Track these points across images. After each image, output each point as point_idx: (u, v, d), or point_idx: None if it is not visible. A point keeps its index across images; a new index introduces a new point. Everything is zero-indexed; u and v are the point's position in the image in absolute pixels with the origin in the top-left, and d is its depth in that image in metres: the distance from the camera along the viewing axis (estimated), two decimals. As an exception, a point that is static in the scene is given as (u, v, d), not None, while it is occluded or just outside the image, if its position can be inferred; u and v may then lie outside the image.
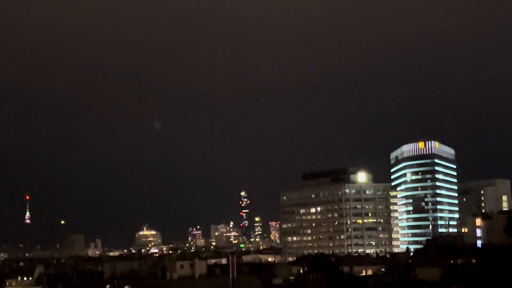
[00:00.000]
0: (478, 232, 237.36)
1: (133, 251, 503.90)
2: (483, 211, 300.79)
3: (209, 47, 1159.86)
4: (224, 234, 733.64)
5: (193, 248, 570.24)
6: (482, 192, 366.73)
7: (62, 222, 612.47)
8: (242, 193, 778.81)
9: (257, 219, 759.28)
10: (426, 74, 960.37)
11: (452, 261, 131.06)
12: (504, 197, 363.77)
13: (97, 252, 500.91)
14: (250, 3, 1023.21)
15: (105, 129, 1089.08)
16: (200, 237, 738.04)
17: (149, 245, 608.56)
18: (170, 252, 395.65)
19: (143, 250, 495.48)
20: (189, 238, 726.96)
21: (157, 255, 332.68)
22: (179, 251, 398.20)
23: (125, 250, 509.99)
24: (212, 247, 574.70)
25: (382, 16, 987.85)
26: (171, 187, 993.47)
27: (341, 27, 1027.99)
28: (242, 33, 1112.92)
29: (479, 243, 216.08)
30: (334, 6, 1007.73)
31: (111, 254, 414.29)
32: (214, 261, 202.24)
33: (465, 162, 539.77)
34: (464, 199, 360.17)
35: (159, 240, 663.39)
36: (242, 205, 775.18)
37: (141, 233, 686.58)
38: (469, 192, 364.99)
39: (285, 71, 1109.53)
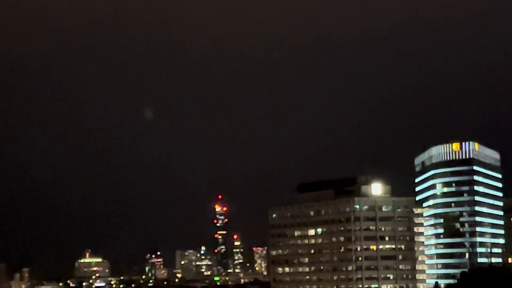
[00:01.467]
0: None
1: (71, 284, 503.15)
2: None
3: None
4: (193, 263, 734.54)
5: (151, 281, 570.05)
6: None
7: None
8: (218, 209, 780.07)
9: (237, 243, 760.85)
10: (456, 57, 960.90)
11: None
12: None
13: (23, 286, 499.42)
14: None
15: (35, 135, 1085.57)
16: (161, 266, 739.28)
17: (93, 277, 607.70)
18: (121, 286, 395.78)
19: (84, 284, 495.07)
20: (147, 268, 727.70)
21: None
22: (132, 285, 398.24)
23: (60, 284, 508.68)
24: (177, 280, 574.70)
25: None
26: (122, 203, 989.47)
27: (341, 19, 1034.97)
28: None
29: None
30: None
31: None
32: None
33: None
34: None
35: (106, 271, 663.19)
36: (218, 224, 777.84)
37: (82, 261, 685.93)
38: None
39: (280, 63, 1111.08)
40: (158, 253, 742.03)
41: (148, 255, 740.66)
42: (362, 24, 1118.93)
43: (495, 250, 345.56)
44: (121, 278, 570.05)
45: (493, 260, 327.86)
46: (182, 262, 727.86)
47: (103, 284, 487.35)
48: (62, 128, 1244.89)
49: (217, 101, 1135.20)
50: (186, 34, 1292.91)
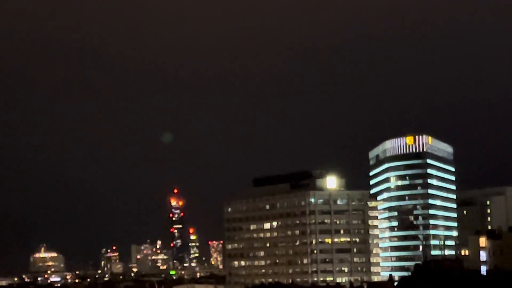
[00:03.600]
0: (483, 255, 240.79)
1: (26, 279, 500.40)
2: (489, 227, 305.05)
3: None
4: (149, 257, 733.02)
5: (107, 276, 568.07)
6: (488, 203, 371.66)
7: None
8: (174, 203, 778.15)
9: (193, 237, 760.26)
10: (412, 55, 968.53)
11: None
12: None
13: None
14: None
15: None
16: (117, 261, 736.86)
17: (48, 272, 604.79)
18: (76, 281, 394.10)
19: (40, 279, 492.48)
20: (102, 263, 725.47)
21: (59, 285, 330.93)
22: (88, 280, 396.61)
23: (15, 279, 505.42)
24: (132, 274, 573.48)
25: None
26: (78, 197, 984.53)
27: (305, 21, 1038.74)
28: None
29: (483, 269, 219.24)
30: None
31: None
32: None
33: (467, 164, 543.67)
34: (465, 212, 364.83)
35: (62, 265, 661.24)
36: (174, 218, 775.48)
37: (37, 255, 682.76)
38: (472, 203, 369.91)
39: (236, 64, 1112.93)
40: (114, 247, 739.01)
41: (104, 249, 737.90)
42: (314, 21, 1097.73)
43: (448, 242, 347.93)
44: (77, 272, 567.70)
45: (447, 252, 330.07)
46: (138, 257, 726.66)
47: (58, 279, 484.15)
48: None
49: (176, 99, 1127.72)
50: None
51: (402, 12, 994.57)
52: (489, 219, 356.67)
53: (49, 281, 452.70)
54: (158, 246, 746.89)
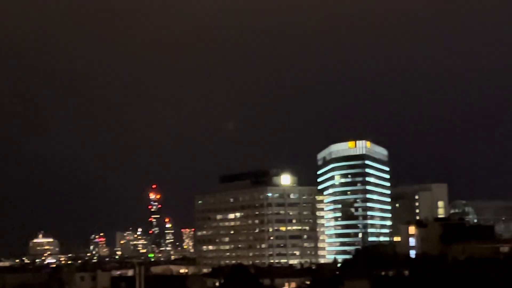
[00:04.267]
0: (412, 241, 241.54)
1: (26, 261, 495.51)
2: (418, 218, 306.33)
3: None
4: (131, 243, 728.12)
5: (95, 258, 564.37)
6: (416, 197, 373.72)
7: None
8: (152, 197, 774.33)
9: (168, 225, 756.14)
10: (354, 69, 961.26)
11: (383, 273, 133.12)
12: (440, 203, 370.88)
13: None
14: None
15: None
16: (104, 245, 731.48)
17: (45, 255, 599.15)
18: (69, 262, 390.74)
19: (37, 260, 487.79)
20: (91, 247, 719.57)
21: (54, 265, 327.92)
22: (79, 262, 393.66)
23: (16, 260, 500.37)
24: (117, 256, 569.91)
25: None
26: (70, 190, 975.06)
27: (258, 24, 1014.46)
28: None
29: (412, 253, 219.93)
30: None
31: (0, 264, 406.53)
32: (119, 272, 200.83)
33: (399, 164, 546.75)
34: (397, 205, 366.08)
35: (57, 249, 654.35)
36: (152, 209, 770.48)
37: (35, 240, 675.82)
38: (403, 197, 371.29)
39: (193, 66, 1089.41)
40: (101, 234, 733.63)
41: (93, 235, 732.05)
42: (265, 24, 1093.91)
43: (383, 230, 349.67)
44: (69, 255, 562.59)
45: (382, 239, 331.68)
46: (121, 242, 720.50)
47: (53, 260, 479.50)
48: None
49: (154, 95, 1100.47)
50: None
51: (345, 18, 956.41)
52: (417, 211, 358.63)
53: (45, 262, 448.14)
54: (139, 233, 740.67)
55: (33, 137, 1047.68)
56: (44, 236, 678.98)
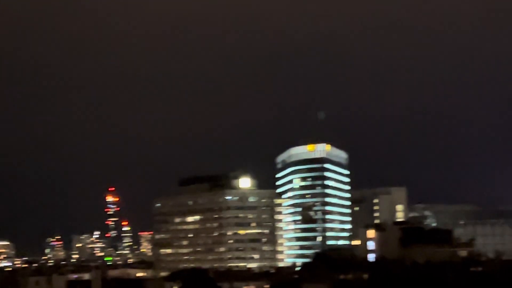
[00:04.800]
0: (371, 245, 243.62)
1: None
2: (377, 221, 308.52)
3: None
4: (88, 246, 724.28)
5: (51, 261, 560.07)
6: (376, 201, 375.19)
7: None
8: (110, 199, 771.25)
9: (126, 228, 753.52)
10: (315, 72, 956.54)
11: (342, 277, 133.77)
12: (399, 207, 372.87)
13: None
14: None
15: None
16: (60, 248, 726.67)
17: (1, 258, 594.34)
18: (24, 266, 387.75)
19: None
20: (47, 250, 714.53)
21: (10, 269, 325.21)
22: (34, 265, 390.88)
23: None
24: (73, 260, 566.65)
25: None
26: (26, 191, 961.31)
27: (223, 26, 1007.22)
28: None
29: (371, 256, 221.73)
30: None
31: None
32: (75, 276, 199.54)
33: (358, 167, 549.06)
34: (356, 209, 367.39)
35: (12, 252, 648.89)
36: (109, 212, 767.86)
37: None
38: (362, 200, 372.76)
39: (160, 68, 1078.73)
40: (58, 237, 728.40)
41: (48, 238, 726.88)
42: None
43: (342, 234, 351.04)
44: (25, 259, 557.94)
45: (341, 242, 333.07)
46: (78, 245, 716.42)
47: (9, 264, 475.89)
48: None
49: (113, 96, 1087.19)
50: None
51: (309, 26, 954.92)
52: (376, 214, 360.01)
53: (0, 265, 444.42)
54: (96, 236, 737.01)
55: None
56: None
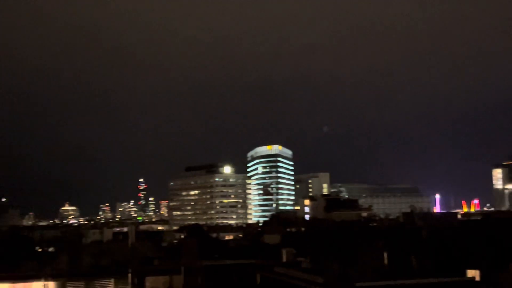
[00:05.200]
0: (307, 209, 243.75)
1: (56, 221, 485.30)
2: (310, 194, 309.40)
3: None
4: (126, 210, 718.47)
5: (103, 220, 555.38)
6: (310, 181, 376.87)
7: (3, 199, 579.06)
8: (140, 180, 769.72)
9: (151, 198, 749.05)
10: (270, 90, 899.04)
11: (288, 230, 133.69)
12: (325, 185, 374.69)
13: (29, 222, 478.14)
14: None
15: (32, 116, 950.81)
16: (109, 211, 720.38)
17: (69, 218, 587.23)
18: (86, 223, 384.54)
19: (64, 221, 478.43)
20: (100, 213, 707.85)
21: (76, 225, 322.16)
22: (92, 222, 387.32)
23: (50, 221, 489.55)
24: (117, 219, 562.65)
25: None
26: (89, 172, 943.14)
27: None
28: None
29: (307, 217, 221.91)
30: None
31: (41, 224, 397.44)
32: (118, 229, 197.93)
33: (299, 159, 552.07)
34: (298, 186, 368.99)
35: (77, 214, 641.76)
36: (140, 188, 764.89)
37: (63, 208, 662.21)
38: (301, 181, 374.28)
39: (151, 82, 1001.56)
40: (107, 204, 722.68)
41: (101, 205, 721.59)
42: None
43: (289, 202, 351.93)
44: (86, 218, 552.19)
45: (288, 207, 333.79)
46: (120, 209, 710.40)
47: (75, 221, 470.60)
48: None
49: (144, 104, 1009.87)
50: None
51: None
52: (310, 190, 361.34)
53: (69, 222, 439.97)
54: (131, 203, 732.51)
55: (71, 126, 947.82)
56: (69, 205, 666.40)
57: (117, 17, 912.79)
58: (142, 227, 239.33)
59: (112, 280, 53.06)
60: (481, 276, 47.19)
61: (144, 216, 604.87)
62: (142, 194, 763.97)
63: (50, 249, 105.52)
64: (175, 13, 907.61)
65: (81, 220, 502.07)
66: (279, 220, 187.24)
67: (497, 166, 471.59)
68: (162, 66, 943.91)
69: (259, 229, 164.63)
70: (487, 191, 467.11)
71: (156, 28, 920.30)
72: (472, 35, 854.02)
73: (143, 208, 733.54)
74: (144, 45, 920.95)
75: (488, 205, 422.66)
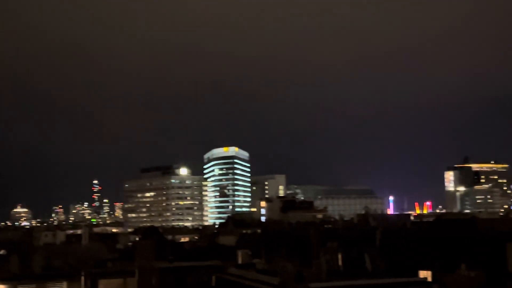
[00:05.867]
0: (263, 211, 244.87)
1: (9, 223, 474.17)
2: (267, 196, 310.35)
3: None
4: (80, 212, 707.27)
5: (56, 222, 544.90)
6: (266, 183, 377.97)
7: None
8: (95, 181, 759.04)
9: (105, 200, 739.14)
10: (232, 97, 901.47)
11: (244, 231, 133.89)
12: (281, 187, 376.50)
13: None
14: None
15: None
16: (62, 213, 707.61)
17: (21, 220, 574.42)
18: (38, 225, 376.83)
19: (16, 223, 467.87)
20: (53, 214, 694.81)
21: (28, 227, 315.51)
22: (45, 224, 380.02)
23: (2, 223, 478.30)
24: (70, 221, 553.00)
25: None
26: (42, 174, 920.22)
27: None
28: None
29: (263, 218, 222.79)
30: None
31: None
32: (71, 231, 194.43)
33: (256, 161, 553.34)
34: (254, 188, 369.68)
35: (30, 216, 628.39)
36: (95, 190, 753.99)
37: (15, 210, 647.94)
38: (258, 183, 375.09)
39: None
40: (60, 206, 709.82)
41: (54, 206, 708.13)
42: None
43: (245, 204, 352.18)
44: (38, 220, 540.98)
45: (244, 209, 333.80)
46: (74, 211, 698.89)
47: (27, 224, 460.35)
48: None
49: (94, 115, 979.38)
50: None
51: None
52: (266, 191, 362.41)
53: (22, 224, 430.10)
54: (85, 205, 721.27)
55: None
56: (21, 207, 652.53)
57: (62, 13, 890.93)
58: (96, 229, 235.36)
59: (65, 283, 52.32)
60: (433, 276, 48.16)
61: (98, 218, 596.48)
62: (97, 196, 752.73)
63: (1, 252, 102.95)
64: (117, 11, 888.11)
65: (34, 222, 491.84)
66: (235, 221, 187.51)
67: (449, 168, 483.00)
68: (115, 64, 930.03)
69: (215, 230, 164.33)
70: (439, 193, 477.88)
71: (105, 25, 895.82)
72: (427, 35, 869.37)
73: (97, 210, 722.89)
74: (94, 41, 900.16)
75: (440, 207, 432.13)
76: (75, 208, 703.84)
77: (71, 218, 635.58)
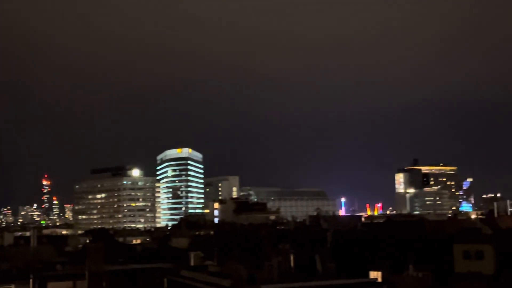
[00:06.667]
0: (216, 213, 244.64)
1: None
2: (220, 198, 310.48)
3: None
4: (29, 213, 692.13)
5: (3, 224, 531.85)
6: (219, 184, 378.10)
7: None
8: (44, 183, 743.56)
9: (55, 202, 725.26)
10: (184, 95, 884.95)
11: (197, 233, 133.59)
12: (234, 189, 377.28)
13: None
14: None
15: None
16: (10, 215, 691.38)
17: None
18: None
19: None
20: (1, 216, 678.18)
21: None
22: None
23: None
24: (19, 223, 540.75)
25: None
26: None
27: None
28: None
29: (216, 220, 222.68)
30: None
31: None
32: (20, 233, 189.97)
33: (209, 163, 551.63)
34: (207, 189, 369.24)
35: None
36: (44, 192, 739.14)
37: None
38: (211, 184, 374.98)
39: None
40: (8, 207, 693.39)
41: (2, 208, 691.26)
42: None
43: (198, 206, 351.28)
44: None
45: (197, 211, 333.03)
46: (23, 213, 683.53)
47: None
48: None
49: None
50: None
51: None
52: (220, 193, 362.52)
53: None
54: (34, 207, 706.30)
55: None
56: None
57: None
58: (45, 231, 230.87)
59: (13, 286, 51.32)
60: (383, 277, 49.06)
61: (48, 220, 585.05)
62: (46, 197, 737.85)
63: None
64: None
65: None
66: (188, 223, 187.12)
67: (400, 171, 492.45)
68: (69, 64, 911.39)
69: (168, 232, 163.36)
70: (390, 195, 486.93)
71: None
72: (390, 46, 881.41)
73: (46, 212, 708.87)
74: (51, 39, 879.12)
75: (390, 208, 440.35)
76: (24, 210, 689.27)
77: (19, 220, 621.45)
